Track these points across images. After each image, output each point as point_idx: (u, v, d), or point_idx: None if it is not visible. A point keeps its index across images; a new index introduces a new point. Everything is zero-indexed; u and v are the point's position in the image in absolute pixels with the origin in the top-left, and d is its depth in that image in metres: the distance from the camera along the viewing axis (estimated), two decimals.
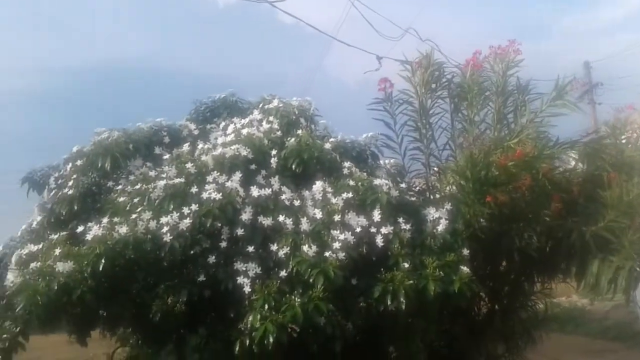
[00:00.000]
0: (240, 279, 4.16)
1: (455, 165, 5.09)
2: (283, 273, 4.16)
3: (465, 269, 4.30)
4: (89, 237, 4.21)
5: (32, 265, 4.26)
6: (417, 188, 5.85)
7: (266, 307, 3.99)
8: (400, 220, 4.47)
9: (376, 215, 4.37)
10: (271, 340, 3.85)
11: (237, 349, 4.14)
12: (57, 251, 4.28)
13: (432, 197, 5.56)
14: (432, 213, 4.63)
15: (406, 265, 4.24)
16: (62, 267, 4.05)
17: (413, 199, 5.17)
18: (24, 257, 4.52)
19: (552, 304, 6.66)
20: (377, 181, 4.63)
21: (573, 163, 5.19)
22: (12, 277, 4.38)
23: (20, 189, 5.88)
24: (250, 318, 4.02)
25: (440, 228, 4.49)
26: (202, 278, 4.33)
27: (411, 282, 4.13)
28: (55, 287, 4.00)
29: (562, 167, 5.08)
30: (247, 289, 4.12)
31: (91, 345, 5.75)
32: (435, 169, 5.91)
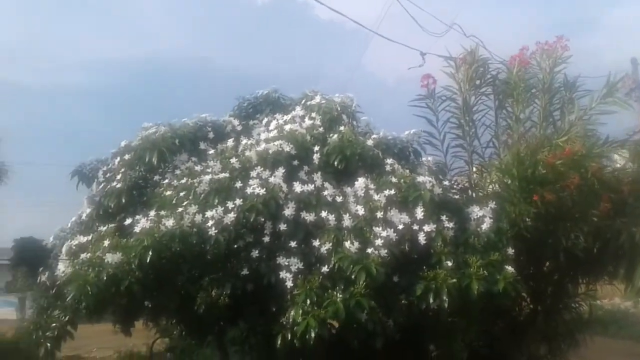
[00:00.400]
0: (283, 274, 4.19)
1: (500, 163, 5.00)
2: (325, 269, 4.18)
3: (509, 268, 4.24)
4: (137, 229, 4.30)
5: (82, 256, 4.39)
6: (460, 186, 5.79)
7: (308, 302, 4.01)
8: (443, 218, 4.42)
9: (419, 212, 4.33)
10: (313, 335, 3.87)
11: (278, 342, 4.17)
12: (106, 243, 4.40)
13: (475, 195, 5.49)
14: (475, 211, 4.57)
15: (449, 263, 4.19)
16: (111, 258, 4.16)
17: (456, 197, 5.10)
18: (74, 247, 4.67)
19: (594, 306, 6.49)
20: (420, 178, 4.60)
21: (622, 162, 5.05)
22: (62, 267, 4.52)
23: (69, 182, 6.06)
24: (292, 313, 4.05)
25: (484, 226, 4.44)
26: (245, 272, 4.39)
27: (454, 280, 4.09)
28: (105, 278, 4.11)
29: (611, 166, 4.94)
30: (289, 284, 4.16)
31: (134, 335, 5.92)
32: (479, 166, 5.83)
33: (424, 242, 4.26)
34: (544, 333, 6.12)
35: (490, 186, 5.37)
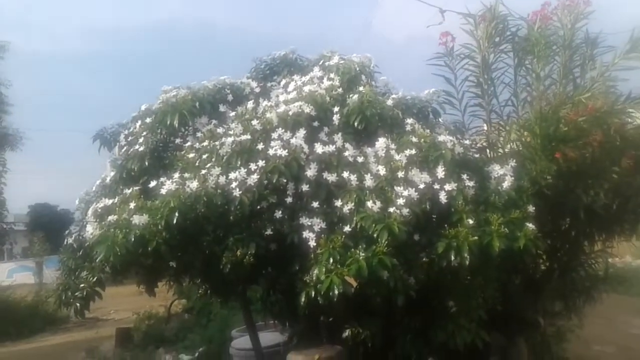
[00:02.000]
0: (306, 234, 4.24)
1: (521, 121, 4.98)
2: (347, 228, 4.22)
3: (530, 225, 4.26)
4: (162, 191, 4.35)
5: (109, 218, 4.47)
6: (479, 145, 5.78)
7: (331, 260, 4.07)
8: (464, 177, 4.44)
9: (440, 171, 4.35)
10: (336, 292, 3.95)
11: (302, 300, 4.26)
12: (132, 205, 4.45)
13: (494, 154, 5.49)
14: (496, 170, 4.59)
15: (470, 221, 4.22)
16: (137, 220, 4.23)
17: (476, 156, 5.11)
18: (100, 210, 4.74)
19: (607, 263, 6.56)
20: (440, 137, 4.60)
21: None
22: (90, 229, 4.61)
23: (82, 148, 6.10)
24: (316, 271, 4.12)
25: (505, 185, 4.45)
26: (269, 232, 4.46)
27: (475, 238, 4.13)
28: (132, 239, 4.18)
29: (633, 122, 4.90)
30: (312, 243, 4.21)
31: (147, 298, 6.05)
32: (497, 125, 5.81)
33: (445, 200, 4.28)
34: (559, 290, 6.21)
35: (509, 144, 5.36)
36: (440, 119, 5.64)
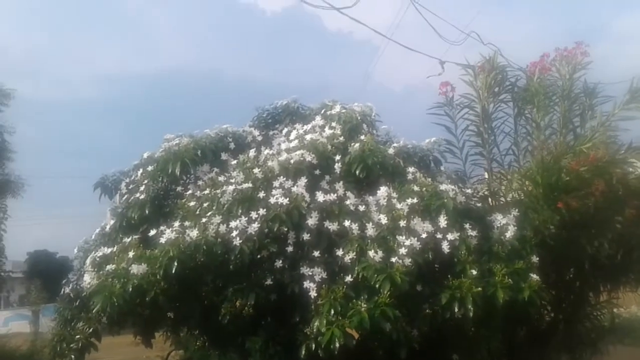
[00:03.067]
0: (306, 284, 4.19)
1: (523, 170, 4.99)
2: (349, 278, 4.16)
3: (534, 276, 4.22)
4: (162, 240, 4.31)
5: (108, 267, 4.42)
6: (480, 194, 5.77)
7: (332, 312, 4.00)
8: (467, 226, 4.41)
9: (442, 221, 4.32)
10: (337, 345, 3.86)
11: (302, 353, 4.16)
12: (131, 254, 4.42)
13: (495, 203, 5.47)
14: (499, 219, 4.56)
15: (474, 272, 4.17)
16: (136, 269, 4.18)
17: (478, 204, 5.08)
18: (98, 259, 4.69)
19: (613, 314, 6.43)
20: (442, 186, 4.59)
21: None
22: (88, 279, 4.55)
23: (83, 196, 6.11)
24: (317, 323, 4.03)
25: (508, 234, 4.42)
26: (269, 282, 4.39)
27: (479, 289, 4.07)
28: (130, 289, 4.13)
29: (635, 172, 4.91)
30: (313, 294, 4.14)
31: (143, 348, 5.90)
32: (499, 174, 5.82)
33: (448, 250, 4.25)
34: (565, 342, 6.06)
35: (511, 194, 5.34)
36: (441, 168, 5.65)
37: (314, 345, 4.06)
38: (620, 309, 9.42)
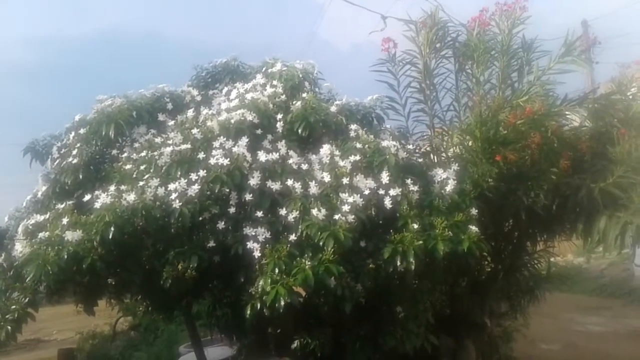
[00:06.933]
0: (250, 244, 4.13)
1: (462, 125, 5.04)
2: (293, 237, 4.13)
3: (474, 228, 4.29)
4: (97, 205, 4.15)
5: (40, 235, 4.23)
6: (422, 150, 5.83)
7: (277, 271, 3.97)
8: (408, 181, 4.44)
9: (384, 177, 4.33)
10: (283, 303, 3.85)
11: (247, 313, 4.14)
12: (65, 220, 4.24)
13: (438, 158, 5.54)
14: (439, 174, 4.60)
15: (415, 226, 4.21)
16: (71, 236, 4.02)
17: (419, 160, 5.13)
18: (31, 227, 4.49)
19: (549, 262, 6.74)
20: (384, 143, 4.59)
21: (579, 121, 5.16)
22: (20, 248, 4.35)
23: (21, 161, 5.79)
24: (261, 282, 4.00)
25: (448, 188, 4.46)
26: (211, 244, 4.32)
27: (420, 242, 4.11)
28: (65, 256, 3.97)
29: (569, 124, 5.04)
30: (256, 254, 4.10)
31: (91, 317, 5.77)
32: (440, 130, 5.87)
33: (390, 206, 4.26)
34: (504, 291, 6.32)
35: (452, 149, 5.41)
36: (384, 125, 5.65)
37: (259, 305, 4.02)
38: (556, 257, 9.93)
